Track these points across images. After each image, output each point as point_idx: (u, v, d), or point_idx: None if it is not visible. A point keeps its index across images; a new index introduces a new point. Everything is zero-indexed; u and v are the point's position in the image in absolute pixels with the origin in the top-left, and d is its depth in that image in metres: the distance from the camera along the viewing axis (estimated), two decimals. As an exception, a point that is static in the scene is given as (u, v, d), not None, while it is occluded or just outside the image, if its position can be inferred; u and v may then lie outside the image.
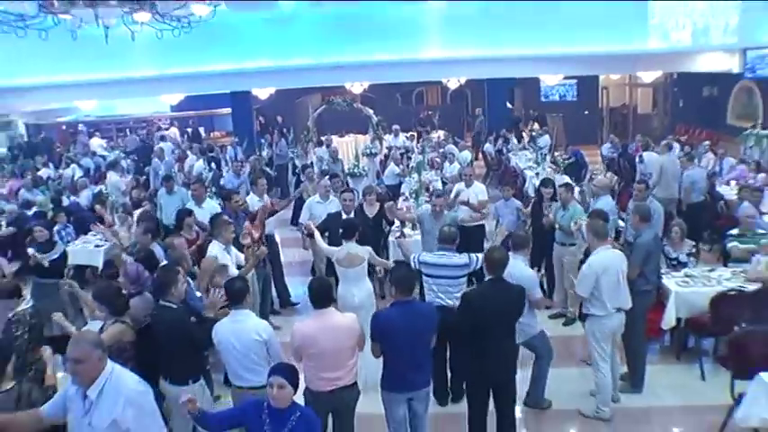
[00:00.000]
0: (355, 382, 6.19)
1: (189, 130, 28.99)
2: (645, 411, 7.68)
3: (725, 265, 9.65)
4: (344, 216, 9.78)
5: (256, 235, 9.31)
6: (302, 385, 5.91)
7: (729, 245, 9.85)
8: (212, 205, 11.50)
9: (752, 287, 8.33)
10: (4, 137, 26.43)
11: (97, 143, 26.23)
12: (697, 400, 7.74)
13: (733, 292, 8.22)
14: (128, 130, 30.07)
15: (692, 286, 8.67)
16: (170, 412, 6.45)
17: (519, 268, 7.20)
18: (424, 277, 7.74)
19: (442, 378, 7.83)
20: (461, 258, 7.47)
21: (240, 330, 5.97)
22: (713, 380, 7.90)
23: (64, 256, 9.88)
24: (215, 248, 8.29)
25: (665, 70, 23.92)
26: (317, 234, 9.16)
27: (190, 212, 10.13)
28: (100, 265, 11.54)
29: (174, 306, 6.34)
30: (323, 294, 6.11)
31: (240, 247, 8.90)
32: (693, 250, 9.63)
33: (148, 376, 6.14)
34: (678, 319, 8.58)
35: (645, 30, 18.17)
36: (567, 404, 7.77)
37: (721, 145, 19.94)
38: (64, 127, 29.59)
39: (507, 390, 6.73)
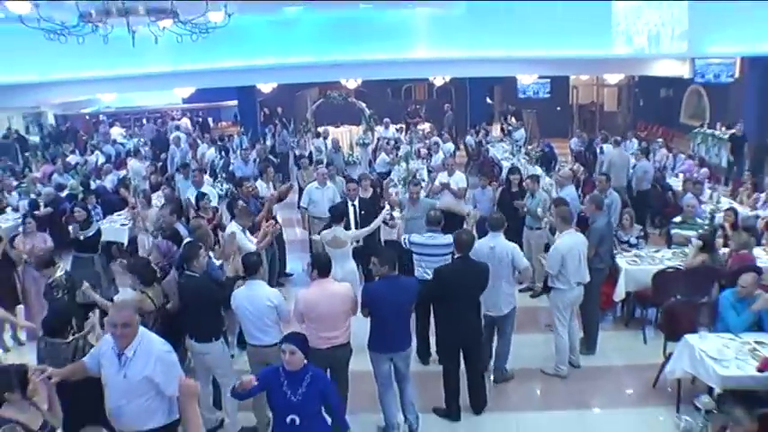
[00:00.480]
0: (348, 342, 6.66)
1: (199, 120, 29.35)
2: (596, 369, 8.17)
3: (669, 248, 10.04)
4: (349, 202, 10.10)
5: (276, 226, 9.75)
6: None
7: (672, 231, 10.25)
8: (210, 189, 11.98)
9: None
10: (38, 126, 26.75)
11: (117, 132, 26.38)
12: (639, 360, 8.21)
13: (671, 270, 8.75)
14: (144, 120, 30.27)
15: (639, 265, 9.18)
16: (194, 367, 7.03)
17: (502, 243, 7.65)
18: (414, 255, 8.20)
19: (425, 341, 8.25)
20: (446, 239, 7.85)
21: (254, 297, 6.45)
22: (653, 343, 8.39)
23: (98, 233, 10.35)
24: (235, 227, 8.78)
25: (627, 73, 24.31)
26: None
27: (203, 195, 10.73)
28: (125, 241, 11.90)
29: (197, 275, 6.84)
30: (326, 265, 6.58)
31: (252, 230, 9.28)
32: (642, 234, 10.10)
33: (173, 337, 6.74)
34: (627, 293, 9.11)
35: (609, 38, 18.51)
36: (531, 364, 8.21)
37: (675, 141, 20.52)
38: (87, 117, 29.76)
39: (475, 350, 7.22)
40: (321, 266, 6.56)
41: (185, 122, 27.44)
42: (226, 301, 6.72)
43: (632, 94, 27.66)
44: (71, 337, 5.89)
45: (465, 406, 7.25)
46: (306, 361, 5.06)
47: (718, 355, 6.41)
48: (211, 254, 7.97)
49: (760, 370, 6.17)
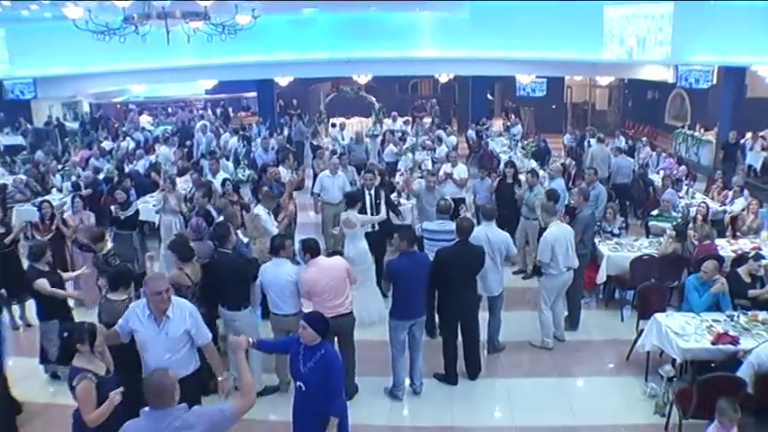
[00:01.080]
0: (351, 311, 7.14)
1: (219, 110, 29.76)
2: (578, 343, 8.66)
3: (647, 237, 10.48)
4: (366, 192, 10.25)
5: (291, 207, 10.27)
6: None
7: (650, 222, 10.70)
8: (224, 176, 12.48)
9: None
10: (73, 114, 27.23)
11: (145, 120, 26.86)
12: (616, 336, 8.68)
13: (646, 257, 9.23)
14: (169, 108, 30.79)
15: (620, 251, 9.64)
16: (225, 332, 7.54)
17: (495, 232, 8.14)
18: (426, 240, 8.68)
19: (432, 316, 8.58)
20: (454, 225, 8.23)
21: (279, 273, 6.95)
22: (629, 321, 8.80)
23: (137, 213, 10.84)
24: (259, 210, 9.24)
25: (617, 76, 24.56)
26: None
27: (224, 182, 11.36)
28: (156, 221, 12.10)
29: (229, 252, 7.38)
30: (314, 248, 7.06)
31: (276, 212, 9.73)
32: (624, 225, 10.58)
33: (208, 305, 7.28)
34: (609, 277, 9.58)
35: (601, 43, 18.80)
36: (520, 337, 8.68)
37: (659, 140, 20.93)
38: (118, 106, 30.24)
39: (471, 324, 7.73)
40: (311, 249, 7.03)
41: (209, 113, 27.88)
42: (253, 276, 7.21)
43: (622, 94, 27.97)
44: (125, 297, 6.41)
45: (461, 372, 7.73)
46: (320, 339, 5.21)
47: (681, 330, 6.93)
48: (240, 232, 8.49)
49: (713, 343, 6.70)
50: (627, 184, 14.21)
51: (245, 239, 8.66)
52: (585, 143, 18.13)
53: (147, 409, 3.94)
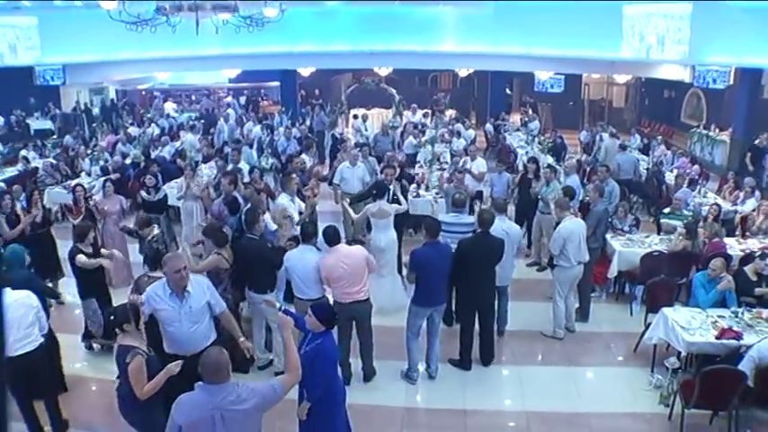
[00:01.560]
0: (368, 298, 7.40)
1: (243, 98, 30.03)
2: (588, 334, 8.91)
3: (658, 234, 10.65)
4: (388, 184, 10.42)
5: (317, 191, 10.55)
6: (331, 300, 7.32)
7: (662, 220, 10.88)
8: (245, 166, 12.79)
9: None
10: (98, 99, 27.65)
11: (170, 107, 27.25)
12: (625, 329, 8.90)
13: (656, 253, 9.43)
14: (193, 96, 31.16)
15: (631, 247, 9.85)
16: (252, 313, 7.89)
17: (510, 224, 8.48)
18: (443, 232, 8.89)
19: (449, 306, 8.85)
20: (470, 218, 8.59)
21: (305, 259, 7.23)
22: (638, 315, 9.00)
23: (165, 197, 11.15)
24: (284, 199, 9.52)
25: (635, 75, 24.45)
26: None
27: (252, 169, 11.65)
28: (180, 205, 12.31)
29: (257, 238, 7.69)
30: (334, 236, 7.33)
31: (302, 198, 10.10)
32: (635, 222, 10.76)
33: (238, 288, 7.61)
34: (619, 271, 9.81)
35: (619, 42, 18.85)
36: (533, 327, 8.95)
37: (675, 138, 20.97)
38: (143, 92, 30.64)
39: (488, 312, 8.02)
40: (330, 237, 7.30)
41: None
42: (279, 262, 7.50)
43: (639, 92, 27.93)
44: (159, 273, 6.71)
45: (475, 359, 8.01)
46: (324, 328, 5.35)
47: (687, 324, 7.15)
48: (267, 217, 8.80)
49: (718, 338, 6.91)
50: (629, 180, 14.36)
51: (274, 226, 8.95)
52: (597, 137, 18.36)
53: (201, 383, 4.15)
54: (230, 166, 12.79)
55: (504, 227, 8.31)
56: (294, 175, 10.35)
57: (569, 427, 6.87)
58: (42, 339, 6.43)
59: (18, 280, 6.78)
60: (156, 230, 8.53)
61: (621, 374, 7.94)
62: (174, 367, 5.05)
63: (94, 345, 8.37)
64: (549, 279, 9.90)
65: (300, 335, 5.66)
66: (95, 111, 26.10)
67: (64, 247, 8.55)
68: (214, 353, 4.22)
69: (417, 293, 7.52)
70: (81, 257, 7.77)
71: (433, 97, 29.40)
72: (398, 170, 11.86)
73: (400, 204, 9.89)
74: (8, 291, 6.23)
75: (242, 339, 6.13)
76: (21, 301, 6.21)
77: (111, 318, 5.10)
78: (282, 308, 5.52)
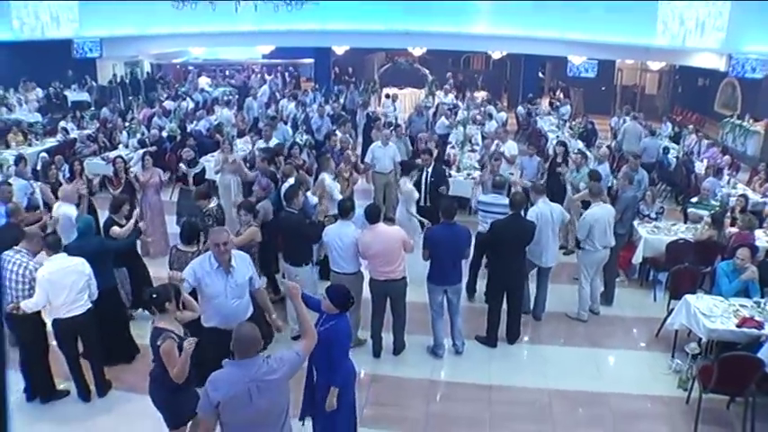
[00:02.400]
0: (404, 277, 7.66)
1: (283, 74, 30.32)
2: (612, 318, 9.15)
3: (684, 223, 10.82)
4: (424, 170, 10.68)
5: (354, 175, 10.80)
6: (367, 276, 7.72)
7: (689, 209, 11.05)
8: (276, 142, 13.01)
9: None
10: (135, 72, 27.96)
11: (204, 81, 27.53)
12: (648, 314, 9.12)
13: (682, 241, 9.59)
14: (227, 71, 31.52)
15: (657, 234, 10.02)
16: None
17: (553, 206, 8.69)
18: (480, 211, 9.23)
19: (473, 281, 9.34)
20: (507, 199, 8.72)
21: (344, 234, 7.49)
22: (661, 301, 9.21)
23: (203, 170, 11.45)
24: (326, 177, 9.81)
25: (668, 62, 24.33)
26: None
27: (293, 145, 11.90)
28: (216, 179, 12.33)
29: (296, 212, 7.98)
30: (375, 215, 7.57)
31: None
32: (661, 210, 10.89)
33: (268, 262, 7.94)
34: (645, 258, 9.99)
35: (654, 29, 18.78)
36: (558, 308, 9.20)
37: (707, 127, 20.85)
38: (177, 66, 31.01)
39: (516, 293, 8.27)
40: (370, 215, 7.54)
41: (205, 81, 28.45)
42: (315, 237, 7.82)
43: (672, 80, 27.76)
44: (195, 249, 7.04)
45: (501, 337, 8.30)
46: (338, 311, 5.47)
47: (708, 311, 7.35)
48: (309, 193, 9.08)
49: (738, 326, 7.10)
50: (653, 164, 14.62)
51: (315, 200, 9.21)
52: (621, 120, 18.49)
53: (230, 360, 4.39)
54: (262, 143, 13.13)
55: (549, 208, 8.57)
56: (328, 155, 10.65)
57: (590, 406, 7.12)
58: (91, 305, 6.79)
59: (92, 247, 7.23)
60: (213, 203, 8.68)
61: (642, 358, 8.16)
62: (190, 344, 5.12)
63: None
64: (574, 262, 10.11)
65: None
66: (139, 78, 26.60)
67: (104, 217, 8.81)
68: (246, 329, 4.43)
69: (431, 271, 7.82)
70: (114, 228, 8.13)
71: (461, 79, 29.43)
72: (435, 153, 12.24)
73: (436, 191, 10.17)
74: (64, 256, 6.63)
75: (274, 316, 6.45)
76: (74, 267, 6.59)
77: (154, 296, 5.21)
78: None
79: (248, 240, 7.77)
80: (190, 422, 5.37)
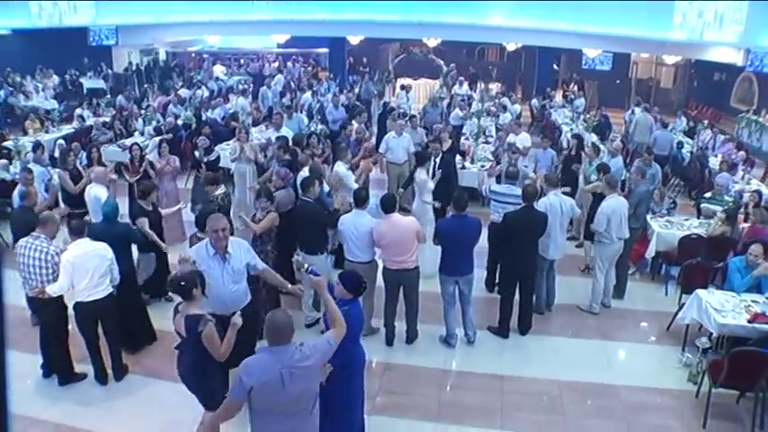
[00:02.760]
0: (416, 267, 7.76)
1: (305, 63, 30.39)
2: (623, 311, 9.20)
3: (697, 218, 10.85)
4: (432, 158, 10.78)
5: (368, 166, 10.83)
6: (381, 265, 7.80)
7: (702, 204, 11.05)
8: (287, 131, 13.03)
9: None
10: (150, 60, 28.20)
11: (219, 69, 27.65)
12: (659, 308, 9.17)
13: (694, 236, 9.62)
14: (240, 60, 31.59)
15: (670, 229, 10.07)
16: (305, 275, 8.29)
17: (564, 198, 8.75)
18: (492, 201, 9.29)
19: (492, 273, 9.39)
20: (520, 190, 8.69)
21: (359, 223, 7.59)
22: (672, 296, 9.26)
23: (218, 158, 11.54)
24: (341, 167, 9.87)
25: (684, 56, 24.28)
26: None
27: (311, 135, 11.97)
28: (232, 167, 12.54)
29: (312, 201, 8.05)
30: (390, 204, 7.67)
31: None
32: (672, 205, 10.93)
33: (286, 249, 8.01)
34: (657, 252, 10.04)
35: (670, 23, 18.73)
36: (569, 301, 9.28)
37: (722, 122, 20.73)
38: (193, 55, 31.17)
39: (529, 284, 8.34)
40: (385, 205, 7.65)
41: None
42: (332, 225, 7.90)
43: (688, 74, 27.65)
44: None
45: (513, 327, 8.38)
46: (351, 296, 5.55)
47: (720, 306, 7.38)
48: (325, 182, 9.13)
49: (750, 321, 7.13)
50: (665, 156, 14.67)
51: (326, 188, 9.21)
52: (630, 112, 18.51)
53: (265, 347, 4.44)
54: (272, 131, 13.18)
55: (560, 200, 8.62)
56: (343, 144, 10.73)
57: (600, 397, 7.18)
58: (112, 290, 6.91)
59: (119, 231, 7.42)
60: (219, 190, 8.79)
61: (653, 351, 8.22)
62: (238, 320, 5.25)
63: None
64: (583, 255, 10.45)
65: None
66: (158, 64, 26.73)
67: (121, 204, 8.76)
68: (280, 316, 4.47)
69: (442, 262, 7.91)
70: (142, 221, 8.25)
71: (472, 71, 29.43)
72: (450, 143, 12.33)
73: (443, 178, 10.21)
74: (88, 241, 6.75)
75: (289, 287, 6.54)
76: (98, 252, 6.70)
77: (182, 284, 5.26)
78: (310, 269, 5.84)
79: (268, 226, 7.86)
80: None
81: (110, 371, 7.21)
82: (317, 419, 4.65)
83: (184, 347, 5.37)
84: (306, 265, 5.71)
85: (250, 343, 6.15)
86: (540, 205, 8.46)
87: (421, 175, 10.00)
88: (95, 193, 9.01)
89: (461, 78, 23.82)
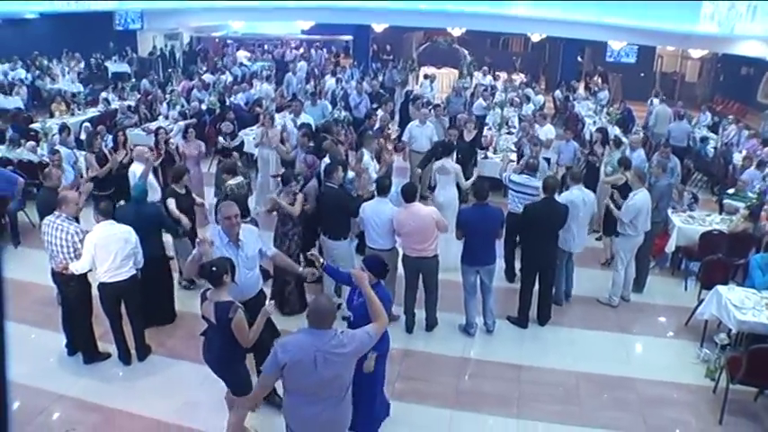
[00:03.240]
0: (435, 255, 7.81)
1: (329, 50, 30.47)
2: (642, 305, 9.22)
3: (719, 214, 10.78)
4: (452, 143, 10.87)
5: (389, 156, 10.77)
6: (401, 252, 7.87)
7: (725, 200, 11.02)
8: (307, 117, 13.06)
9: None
10: (174, 45, 28.38)
11: (242, 55, 27.81)
12: (678, 303, 9.19)
13: (716, 232, 9.60)
14: (265, 45, 31.68)
15: (691, 224, 10.05)
16: (325, 259, 8.37)
17: (587, 193, 8.76)
18: (510, 191, 9.36)
19: (511, 263, 9.46)
20: (538, 182, 8.81)
21: (381, 211, 7.67)
22: (692, 291, 9.27)
23: (242, 144, 11.65)
24: (365, 154, 9.88)
25: (711, 50, 23.92)
26: None
27: (336, 122, 12.07)
28: (255, 153, 12.65)
29: (335, 186, 8.13)
30: (411, 193, 7.72)
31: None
32: (693, 200, 10.89)
33: (312, 235, 8.11)
34: (678, 247, 10.03)
35: (697, 16, 18.62)
36: (589, 293, 9.32)
37: (748, 118, 20.52)
38: (216, 40, 31.32)
39: (548, 275, 8.40)
40: (406, 193, 7.69)
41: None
42: (355, 211, 7.95)
43: (714, 68, 27.33)
44: None
45: (532, 318, 8.45)
46: (376, 279, 5.63)
47: (740, 303, 7.39)
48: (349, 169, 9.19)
49: (770, 318, 7.14)
50: (682, 148, 14.73)
51: (351, 175, 9.26)
52: (648, 102, 18.48)
53: (306, 328, 4.52)
54: (291, 117, 13.22)
55: (583, 195, 8.65)
56: (370, 132, 10.81)
57: (616, 389, 7.23)
58: (135, 272, 7.04)
59: (149, 213, 7.60)
60: (235, 180, 8.72)
61: (671, 346, 8.25)
62: (270, 309, 5.38)
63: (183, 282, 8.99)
64: (603, 247, 10.50)
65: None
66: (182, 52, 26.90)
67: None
68: (323, 301, 4.59)
69: (464, 252, 7.95)
70: (170, 202, 8.33)
71: (488, 62, 29.34)
72: (474, 134, 12.41)
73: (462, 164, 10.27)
74: (112, 223, 6.87)
75: (301, 269, 6.60)
76: (121, 235, 6.82)
77: (213, 270, 5.29)
78: (324, 263, 5.87)
79: (300, 208, 7.99)
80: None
81: (133, 351, 7.35)
82: (348, 410, 4.74)
83: (211, 334, 5.43)
84: (321, 260, 5.90)
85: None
86: (562, 199, 8.49)
87: (446, 164, 10.00)
88: (135, 171, 9.24)
89: (485, 68, 23.78)
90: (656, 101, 18.03)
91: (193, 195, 8.99)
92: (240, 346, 5.27)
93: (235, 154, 11.49)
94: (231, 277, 5.40)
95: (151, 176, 9.41)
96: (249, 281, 6.21)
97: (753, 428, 6.68)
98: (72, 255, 6.82)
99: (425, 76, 21.44)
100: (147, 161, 9.24)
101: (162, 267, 7.93)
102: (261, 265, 6.82)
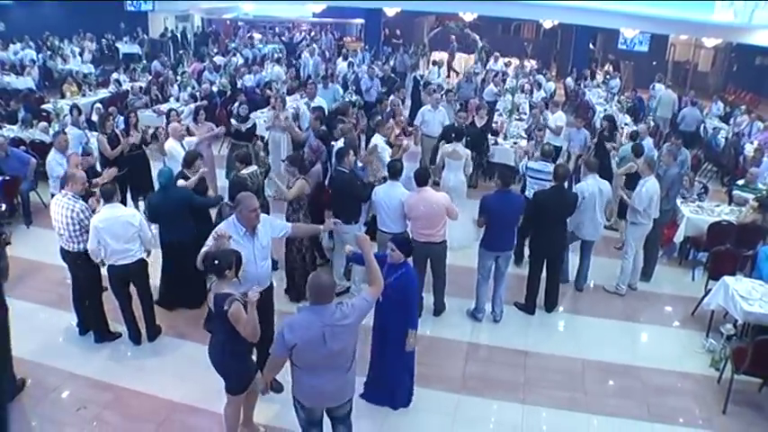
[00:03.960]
0: (443, 241, 7.84)
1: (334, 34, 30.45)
2: (649, 294, 9.27)
3: (728, 205, 10.76)
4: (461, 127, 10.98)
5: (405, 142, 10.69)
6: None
7: (734, 191, 10.98)
8: (320, 101, 13.09)
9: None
10: (185, 27, 28.37)
11: (255, 37, 27.86)
12: (685, 293, 9.24)
13: (725, 223, 9.60)
14: (276, 28, 31.64)
15: (700, 215, 10.06)
16: (335, 242, 8.53)
17: (602, 183, 8.74)
18: (528, 177, 9.47)
19: (521, 248, 9.49)
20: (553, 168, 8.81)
21: (392, 195, 7.72)
22: (699, 281, 9.31)
23: (254, 126, 11.66)
24: (378, 139, 9.92)
25: (725, 39, 23.75)
26: None
27: (351, 104, 12.16)
28: (266, 135, 12.55)
29: (346, 171, 8.17)
30: (423, 178, 7.72)
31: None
32: (703, 190, 10.93)
33: (317, 219, 8.16)
34: (686, 237, 10.06)
35: (712, 4, 18.51)
36: (596, 281, 9.41)
37: (761, 108, 20.39)
38: (228, 22, 31.31)
39: (556, 262, 8.47)
40: (418, 178, 7.70)
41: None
42: (365, 196, 8.03)
43: (727, 57, 27.14)
44: None
45: (539, 305, 8.52)
46: (404, 259, 5.87)
47: (747, 294, 7.41)
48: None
49: (778, 310, 7.15)
50: (691, 132, 14.93)
51: (360, 164, 9.23)
52: (651, 87, 18.48)
53: (306, 306, 4.64)
54: (305, 101, 13.25)
55: (599, 184, 8.67)
56: (380, 117, 10.84)
57: (621, 377, 7.30)
58: (142, 256, 7.15)
59: (178, 197, 7.71)
60: (248, 170, 8.51)
61: (677, 335, 8.29)
62: (254, 295, 5.21)
63: None
64: (613, 236, 10.63)
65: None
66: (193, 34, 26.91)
67: (156, 168, 8.91)
68: (322, 277, 4.67)
69: (484, 237, 8.01)
70: (180, 181, 8.28)
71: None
72: (486, 118, 12.53)
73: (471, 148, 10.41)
74: (117, 206, 6.96)
75: (322, 227, 6.96)
76: (125, 219, 6.91)
77: (216, 262, 5.29)
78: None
79: (298, 194, 8.01)
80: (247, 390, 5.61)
81: (143, 331, 7.45)
82: (353, 378, 4.93)
83: (214, 328, 5.49)
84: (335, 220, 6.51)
85: (267, 320, 6.28)
86: (578, 188, 8.58)
87: (458, 148, 10.09)
88: (171, 148, 9.60)
89: (496, 53, 23.73)
90: (658, 85, 17.99)
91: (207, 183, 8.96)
92: (242, 340, 5.25)
93: (259, 143, 11.63)
94: (236, 272, 5.39)
95: (178, 146, 9.65)
96: (263, 271, 6.20)
97: (756, 419, 6.72)
98: (77, 232, 6.92)
99: (433, 63, 21.41)
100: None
101: (192, 251, 7.93)
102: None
